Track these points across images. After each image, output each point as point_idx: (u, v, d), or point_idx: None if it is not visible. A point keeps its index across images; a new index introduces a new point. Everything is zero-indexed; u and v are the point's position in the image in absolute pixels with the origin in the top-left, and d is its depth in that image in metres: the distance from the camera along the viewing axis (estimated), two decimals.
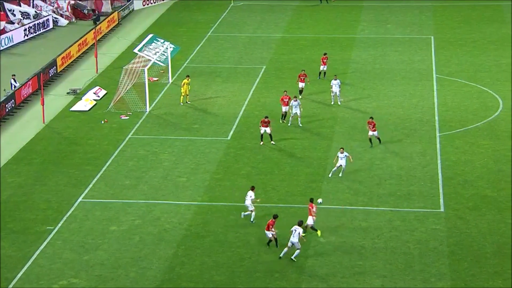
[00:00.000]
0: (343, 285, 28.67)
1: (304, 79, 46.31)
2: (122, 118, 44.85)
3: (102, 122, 44.33)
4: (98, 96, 48.12)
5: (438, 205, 34.24)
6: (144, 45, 49.55)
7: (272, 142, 40.36)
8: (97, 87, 49.16)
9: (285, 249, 29.97)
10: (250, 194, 32.73)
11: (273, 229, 30.49)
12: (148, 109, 45.77)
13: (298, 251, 29.91)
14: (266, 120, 40.29)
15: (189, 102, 45.99)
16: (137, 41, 56.75)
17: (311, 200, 32.00)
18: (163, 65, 50.57)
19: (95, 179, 37.19)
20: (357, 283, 28.81)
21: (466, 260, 30.03)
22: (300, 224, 30.10)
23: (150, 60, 47.69)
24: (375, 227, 32.38)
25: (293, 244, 29.83)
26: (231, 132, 42.50)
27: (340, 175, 36.12)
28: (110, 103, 46.37)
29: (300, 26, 63.15)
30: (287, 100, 42.50)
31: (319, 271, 29.49)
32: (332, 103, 45.69)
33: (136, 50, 49.20)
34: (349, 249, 30.84)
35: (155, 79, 50.73)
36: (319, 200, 32.85)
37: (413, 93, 47.89)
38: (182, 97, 45.92)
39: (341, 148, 36.38)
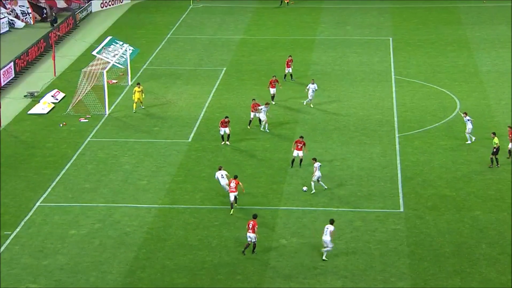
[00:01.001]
0: (304, 286, 28.79)
1: (275, 84, 45.86)
2: (81, 121, 44.45)
3: (61, 125, 43.88)
4: (57, 99, 47.62)
5: (398, 205, 34.59)
6: (102, 47, 49.18)
7: (227, 142, 40.32)
8: (55, 90, 48.66)
9: (324, 249, 30.21)
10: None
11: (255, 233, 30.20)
12: (107, 112, 45.43)
13: (329, 248, 30.09)
14: (226, 120, 40.30)
15: (143, 107, 45.31)
16: (95, 43, 56.26)
17: (235, 177, 33.38)
18: (122, 67, 50.24)
19: (54, 183, 36.78)
20: (319, 283, 28.95)
21: (426, 260, 30.39)
22: (332, 222, 30.30)
23: (109, 62, 47.35)
24: (336, 227, 32.44)
25: (325, 242, 30.05)
26: (192, 134, 42.41)
27: (324, 188, 35.20)
28: (68, 106, 45.92)
29: (260, 28, 63.29)
30: (258, 107, 42.26)
31: (281, 272, 29.57)
32: (304, 103, 45.60)
33: (94, 53, 48.81)
34: (311, 250, 30.98)
35: (114, 81, 50.38)
36: (304, 188, 34.66)
37: (372, 94, 48.32)
38: (135, 104, 45.38)
39: (313, 158, 35.64)
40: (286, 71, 50.02)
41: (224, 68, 53.37)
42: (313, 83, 45.49)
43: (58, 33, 59.45)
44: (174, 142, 41.38)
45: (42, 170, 38.19)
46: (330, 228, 30.15)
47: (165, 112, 45.63)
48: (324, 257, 30.13)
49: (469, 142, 40.26)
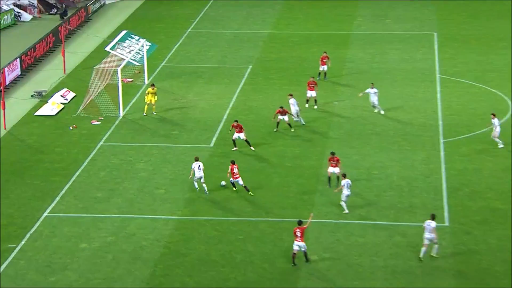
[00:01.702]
0: None
1: (313, 87, 45.54)
2: (93, 123, 44.88)
3: (71, 128, 44.34)
4: (66, 99, 48.13)
5: (442, 218, 34.46)
6: (117, 42, 49.65)
7: (252, 148, 40.55)
8: (65, 89, 49.18)
9: (424, 249, 31.03)
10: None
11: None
12: (121, 114, 45.83)
13: (437, 246, 31.08)
14: (236, 124, 40.55)
15: (154, 113, 45.45)
16: (109, 38, 56.81)
17: (233, 162, 35.86)
18: (138, 64, 50.67)
19: (63, 192, 37.17)
20: None
21: (473, 280, 30.25)
22: (433, 217, 31.15)
23: (124, 59, 47.77)
24: (373, 243, 32.55)
25: (430, 240, 30.89)
26: (214, 139, 42.63)
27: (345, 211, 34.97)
28: (79, 107, 46.39)
29: (290, 22, 63.43)
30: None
31: None
32: (376, 111, 44.98)
33: (108, 48, 49.27)
34: (345, 267, 31.00)
35: (130, 80, 50.81)
36: (222, 183, 36.30)
37: (414, 95, 48.22)
38: (146, 106, 45.43)
39: (343, 174, 35.28)
40: (321, 69, 50.03)
41: (250, 66, 53.57)
42: (372, 87, 44.84)
43: (69, 27, 60.10)
44: (194, 147, 41.63)
45: (50, 177, 38.62)
46: (432, 224, 30.93)
47: (185, 114, 45.92)
48: (435, 254, 31.11)
49: (501, 146, 40.31)
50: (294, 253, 30.84)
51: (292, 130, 42.77)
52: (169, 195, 36.70)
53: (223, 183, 36.79)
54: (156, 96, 45.36)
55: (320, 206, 35.46)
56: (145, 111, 45.44)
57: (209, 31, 61.28)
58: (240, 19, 64.35)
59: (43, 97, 48.59)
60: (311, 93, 45.83)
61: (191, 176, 36.35)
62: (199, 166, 36.09)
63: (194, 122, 44.87)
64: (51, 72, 53.30)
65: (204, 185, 36.23)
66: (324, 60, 49.87)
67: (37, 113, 46.53)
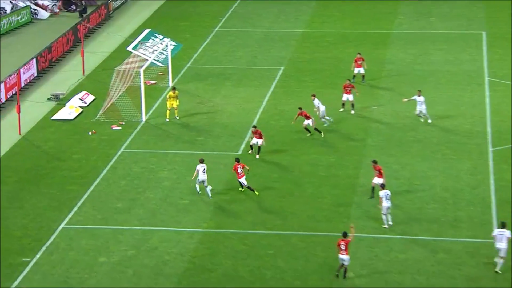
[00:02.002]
0: None
1: (350, 90, 45.56)
2: (114, 128, 45.13)
3: (90, 133, 44.63)
4: (85, 103, 48.46)
5: (491, 233, 34.14)
6: (139, 42, 49.96)
7: (257, 156, 40.73)
8: (84, 92, 49.52)
9: (498, 259, 31.10)
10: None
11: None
12: (144, 118, 46.05)
13: (502, 261, 31.00)
14: (254, 130, 40.80)
15: (177, 117, 45.67)
16: (131, 37, 57.16)
17: (238, 161, 36.87)
18: (162, 65, 50.92)
19: (81, 201, 37.40)
20: None
21: None
22: (503, 225, 31.13)
23: (147, 60, 48.01)
24: (415, 260, 32.38)
25: (500, 251, 30.97)
26: (243, 146, 42.67)
27: (388, 223, 34.64)
28: (99, 111, 46.68)
29: (325, 20, 63.42)
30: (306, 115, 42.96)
31: None
32: (422, 121, 44.89)
33: (130, 48, 49.58)
34: (384, 286, 30.86)
35: (153, 82, 51.06)
36: (209, 187, 36.95)
37: (460, 100, 47.97)
38: (168, 111, 45.61)
39: (382, 185, 35.11)
40: (356, 71, 49.86)
41: (282, 68, 53.61)
42: (419, 95, 44.36)
43: (88, 25, 60.57)
44: (221, 154, 41.70)
45: (68, 186, 38.87)
46: (507, 233, 30.80)
47: (212, 119, 46.03)
48: (498, 269, 30.92)
49: None
50: (342, 264, 30.96)
51: (322, 135, 42.70)
52: (194, 206, 36.77)
53: (209, 187, 37.01)
54: (177, 100, 45.51)
55: (356, 219, 35.31)
56: (167, 117, 45.62)
57: (238, 30, 61.42)
58: (271, 17, 64.42)
59: (60, 100, 48.95)
60: (347, 97, 45.73)
61: (193, 177, 36.90)
62: (204, 169, 36.73)
63: (221, 127, 44.95)
64: (69, 73, 53.72)
65: (207, 189, 36.85)
66: (359, 62, 49.68)
67: (54, 117, 46.88)
